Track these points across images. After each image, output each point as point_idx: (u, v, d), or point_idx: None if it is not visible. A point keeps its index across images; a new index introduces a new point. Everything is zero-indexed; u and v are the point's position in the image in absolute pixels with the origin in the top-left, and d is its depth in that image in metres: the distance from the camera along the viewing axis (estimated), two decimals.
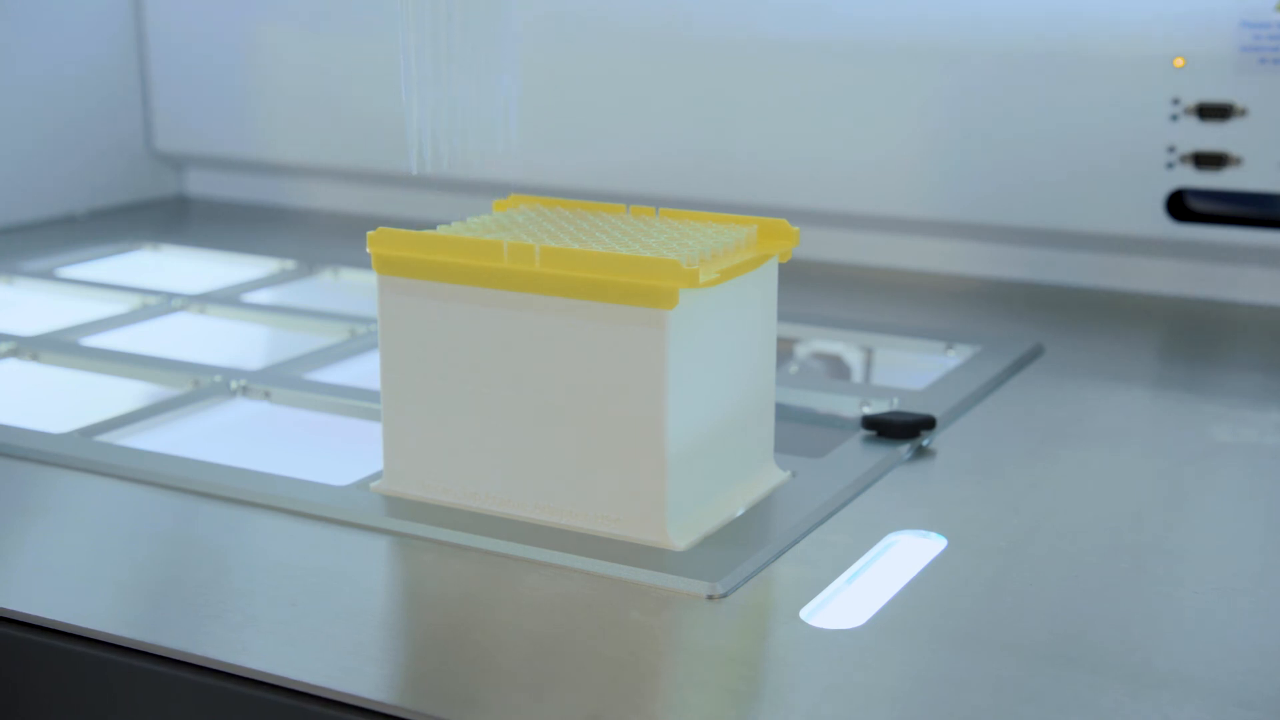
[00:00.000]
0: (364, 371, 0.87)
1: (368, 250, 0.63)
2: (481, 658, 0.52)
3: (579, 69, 1.19)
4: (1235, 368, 0.91)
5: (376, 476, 0.66)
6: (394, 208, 1.30)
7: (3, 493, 0.68)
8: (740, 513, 0.63)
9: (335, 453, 0.76)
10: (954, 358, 0.89)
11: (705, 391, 0.61)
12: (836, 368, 0.95)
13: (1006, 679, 0.51)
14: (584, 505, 0.61)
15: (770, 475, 0.66)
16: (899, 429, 0.72)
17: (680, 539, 0.60)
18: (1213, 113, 0.99)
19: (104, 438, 0.75)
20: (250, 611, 0.56)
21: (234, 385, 0.82)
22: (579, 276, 0.59)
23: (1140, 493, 0.69)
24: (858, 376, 0.96)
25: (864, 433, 0.73)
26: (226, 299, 1.02)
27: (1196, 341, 0.97)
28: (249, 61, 1.34)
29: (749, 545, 0.60)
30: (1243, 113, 0.98)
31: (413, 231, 0.62)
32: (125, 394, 0.85)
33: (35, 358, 0.90)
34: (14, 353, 0.90)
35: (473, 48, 0.58)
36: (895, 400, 0.78)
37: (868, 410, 0.76)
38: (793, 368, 0.95)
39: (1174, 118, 1.00)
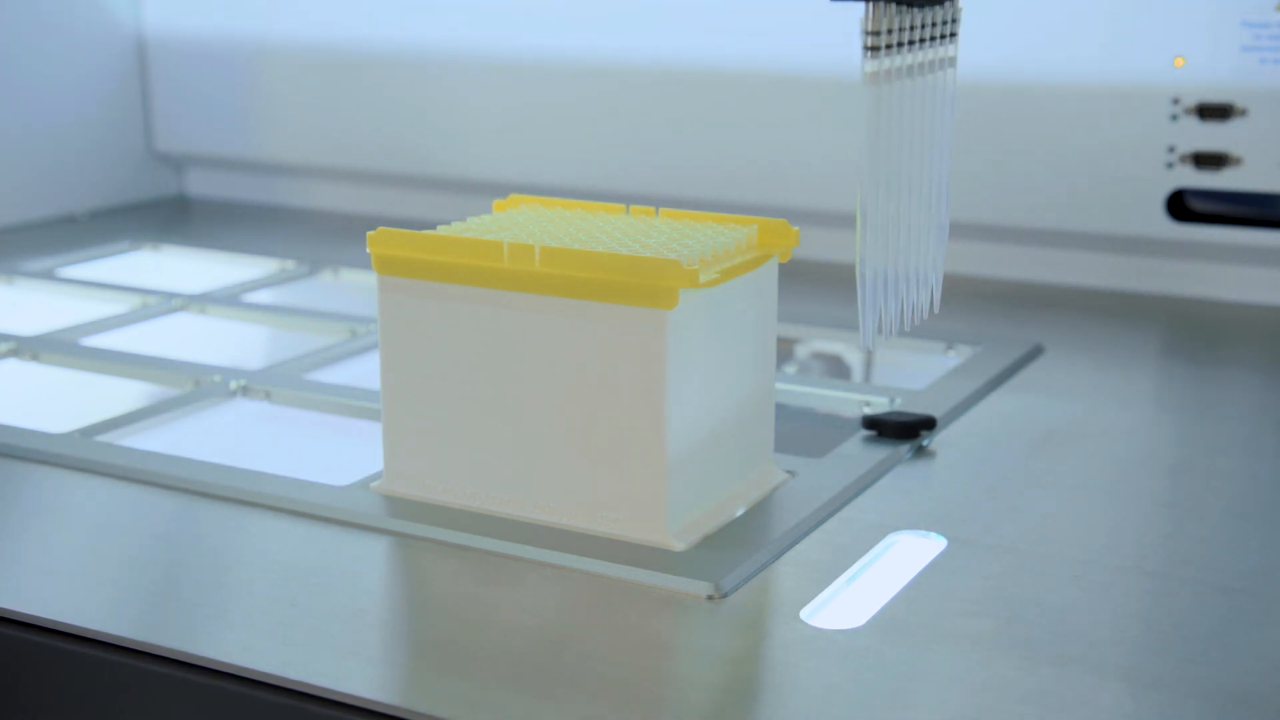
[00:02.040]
0: (364, 371, 0.87)
1: (368, 250, 0.63)
2: (481, 658, 0.52)
3: (580, 68, 1.19)
4: (1235, 368, 0.91)
5: (376, 476, 0.66)
6: (394, 208, 1.30)
7: (3, 493, 0.68)
8: (740, 513, 0.63)
9: (335, 453, 0.76)
10: (954, 358, 0.89)
11: (705, 391, 0.61)
12: (836, 368, 0.95)
13: (1006, 679, 0.51)
14: (584, 505, 0.61)
15: (770, 475, 0.66)
16: (899, 429, 0.72)
17: (680, 539, 0.60)
18: (1213, 113, 0.99)
19: (104, 438, 0.75)
20: (250, 611, 0.56)
21: (234, 385, 0.82)
22: (579, 276, 0.59)
23: (1140, 492, 0.69)
24: (858, 376, 0.96)
25: (864, 433, 0.73)
26: (226, 299, 1.02)
27: (1196, 341, 0.97)
28: (249, 62, 1.35)
29: (749, 545, 0.60)
30: (1243, 113, 0.98)
31: (413, 231, 0.62)
32: (125, 394, 0.85)
33: (35, 358, 0.90)
34: (14, 353, 0.90)
35: (912, 207, 0.58)
36: (895, 400, 0.78)
37: (868, 410, 0.76)
38: (792, 367, 0.95)
39: (1174, 118, 1.00)
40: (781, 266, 0.65)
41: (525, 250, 0.60)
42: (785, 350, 0.96)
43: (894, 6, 0.53)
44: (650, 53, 1.16)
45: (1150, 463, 0.73)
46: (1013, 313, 1.00)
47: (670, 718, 0.49)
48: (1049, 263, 1.07)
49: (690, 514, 0.61)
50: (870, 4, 0.53)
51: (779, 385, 0.78)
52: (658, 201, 1.03)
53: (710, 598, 0.56)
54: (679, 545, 0.59)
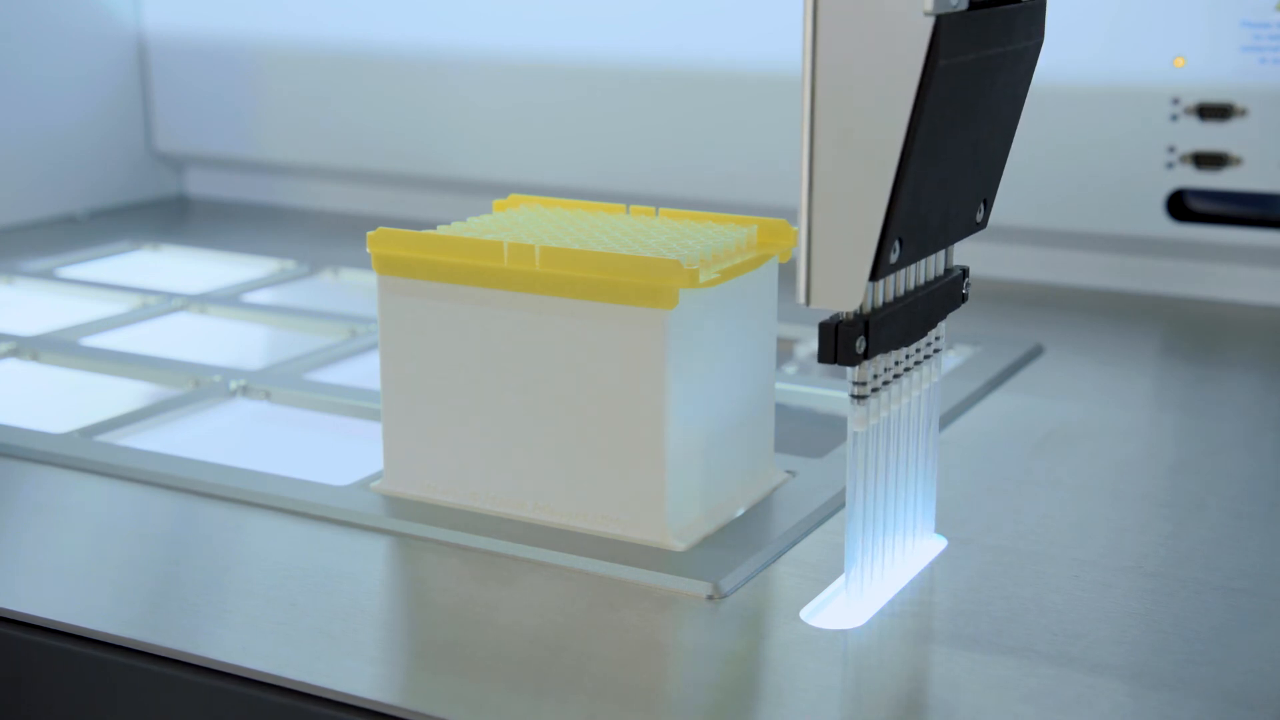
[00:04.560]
0: (364, 371, 0.87)
1: (368, 250, 0.63)
2: (481, 658, 0.52)
3: (580, 68, 1.19)
4: (1235, 368, 0.91)
5: (376, 476, 0.66)
6: (394, 208, 1.30)
7: (3, 493, 0.68)
8: (740, 513, 0.63)
9: (335, 453, 0.76)
10: (954, 358, 0.89)
11: (705, 391, 0.61)
12: (836, 368, 0.95)
13: (1006, 679, 0.51)
14: (584, 505, 0.61)
15: (770, 475, 0.66)
16: None
17: (680, 539, 0.60)
18: (1213, 113, 0.99)
19: (104, 438, 0.75)
20: (250, 611, 0.56)
21: (234, 385, 0.82)
22: (579, 276, 0.59)
23: (1140, 493, 0.69)
24: None
25: None
26: (226, 299, 1.02)
27: (1196, 341, 0.97)
28: (249, 62, 1.35)
29: (749, 545, 0.60)
30: (1243, 113, 0.98)
31: (413, 231, 0.62)
32: (125, 394, 0.85)
33: (35, 358, 0.90)
34: (14, 353, 0.90)
35: (901, 489, 0.58)
36: None
37: None
38: (792, 368, 0.95)
39: (1174, 118, 1.00)
40: (781, 266, 0.65)
41: (525, 250, 0.60)
42: (785, 350, 0.96)
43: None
44: (650, 53, 1.16)
45: (1150, 463, 0.73)
46: (1013, 313, 1.00)
47: (670, 718, 0.49)
48: (1049, 263, 1.07)
49: (690, 514, 0.61)
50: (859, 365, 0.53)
51: (779, 385, 0.78)
52: (658, 201, 1.03)
53: (710, 598, 0.56)
54: (679, 545, 0.59)
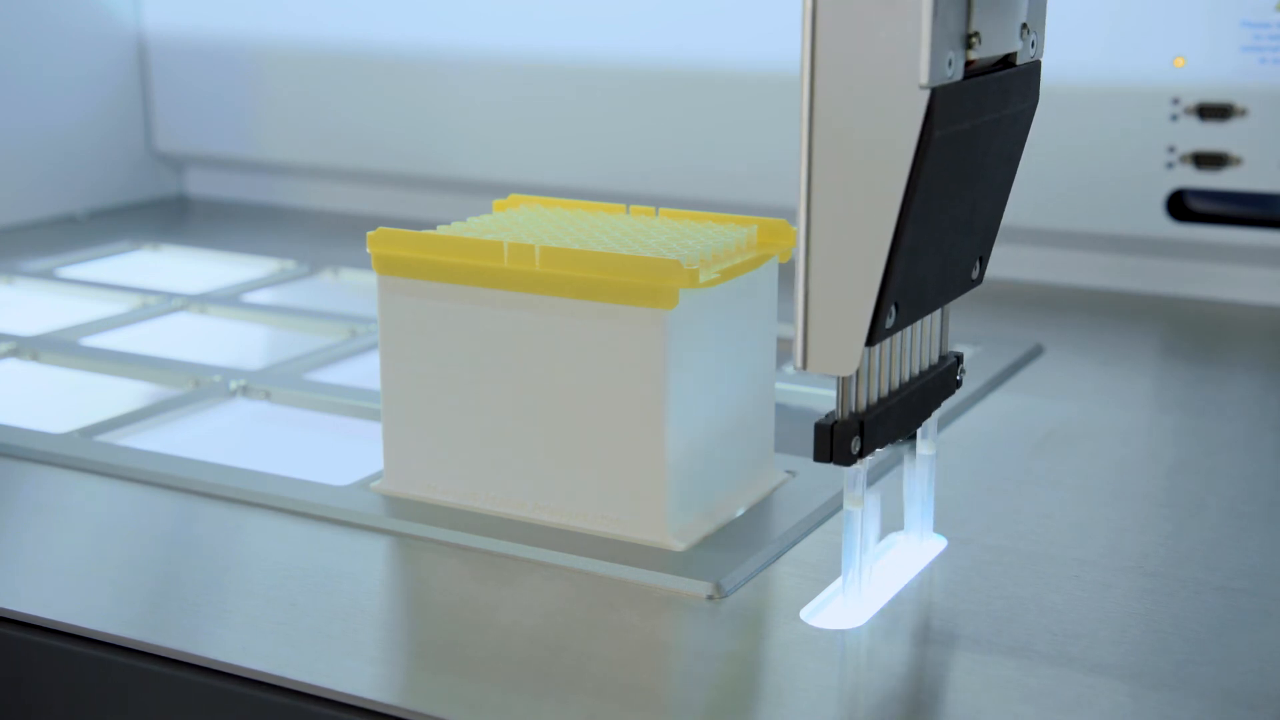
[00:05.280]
0: (364, 371, 0.87)
1: (368, 250, 0.63)
2: (481, 658, 0.52)
3: (579, 68, 1.19)
4: (1235, 368, 0.91)
5: (376, 476, 0.66)
6: (394, 208, 1.30)
7: (3, 493, 0.68)
8: (740, 513, 0.63)
9: (335, 453, 0.76)
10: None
11: (705, 391, 0.61)
12: None
13: (1006, 679, 0.51)
14: (584, 505, 0.61)
15: (770, 475, 0.66)
16: None
17: (680, 539, 0.60)
18: (1213, 113, 0.99)
19: (104, 438, 0.75)
20: (250, 611, 0.56)
21: (234, 385, 0.82)
22: (579, 276, 0.59)
23: (1140, 493, 0.69)
24: None
25: None
26: (226, 299, 1.02)
27: (1196, 341, 0.97)
28: (249, 62, 1.35)
29: (749, 546, 0.60)
30: (1243, 113, 0.98)
31: (413, 231, 0.62)
32: (125, 394, 0.85)
33: (35, 358, 0.90)
34: (14, 353, 0.90)
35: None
36: None
37: None
38: (792, 368, 0.95)
39: (1174, 118, 1.00)
40: (781, 266, 0.65)
41: (525, 250, 0.60)
42: (785, 350, 0.95)
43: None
44: (650, 53, 1.16)
45: (1150, 463, 0.73)
46: (1013, 313, 1.00)
47: (670, 718, 0.49)
48: (1049, 263, 1.07)
49: (690, 514, 0.61)
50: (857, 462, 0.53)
51: (779, 385, 0.78)
52: (658, 201, 1.03)
53: (710, 598, 0.56)
54: (679, 545, 0.59)
